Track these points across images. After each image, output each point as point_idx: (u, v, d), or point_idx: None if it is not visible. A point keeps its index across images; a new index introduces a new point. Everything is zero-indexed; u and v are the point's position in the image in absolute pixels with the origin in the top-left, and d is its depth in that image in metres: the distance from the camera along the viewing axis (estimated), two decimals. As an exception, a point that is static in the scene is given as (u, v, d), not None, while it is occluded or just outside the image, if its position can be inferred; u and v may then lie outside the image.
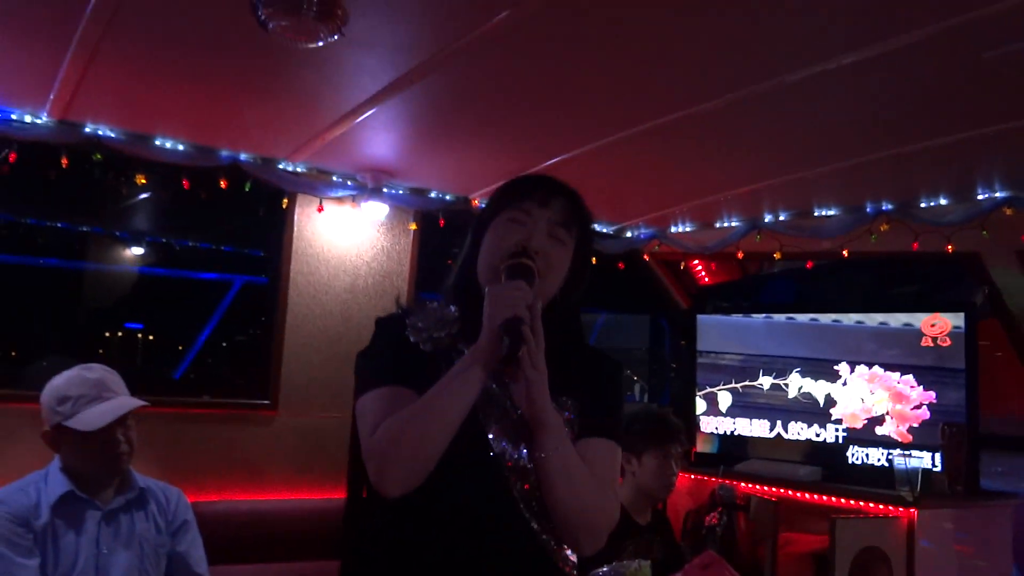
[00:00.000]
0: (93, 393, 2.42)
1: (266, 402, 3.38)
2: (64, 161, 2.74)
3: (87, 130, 2.77)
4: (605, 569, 2.47)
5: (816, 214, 3.54)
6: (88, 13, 2.02)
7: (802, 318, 4.05)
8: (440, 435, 1.38)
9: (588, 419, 1.53)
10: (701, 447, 4.29)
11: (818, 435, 3.93)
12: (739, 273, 4.48)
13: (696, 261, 4.53)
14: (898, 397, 3.71)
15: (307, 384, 3.42)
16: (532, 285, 1.44)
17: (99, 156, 2.83)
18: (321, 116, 2.71)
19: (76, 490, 2.38)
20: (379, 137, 2.91)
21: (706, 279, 4.56)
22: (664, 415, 3.23)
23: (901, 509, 3.31)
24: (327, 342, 3.45)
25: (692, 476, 4.15)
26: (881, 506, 3.39)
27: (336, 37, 2.03)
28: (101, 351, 7.37)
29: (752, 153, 2.96)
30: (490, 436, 1.48)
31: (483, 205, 3.47)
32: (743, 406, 4.17)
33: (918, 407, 3.68)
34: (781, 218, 3.63)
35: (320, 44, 2.03)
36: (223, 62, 2.36)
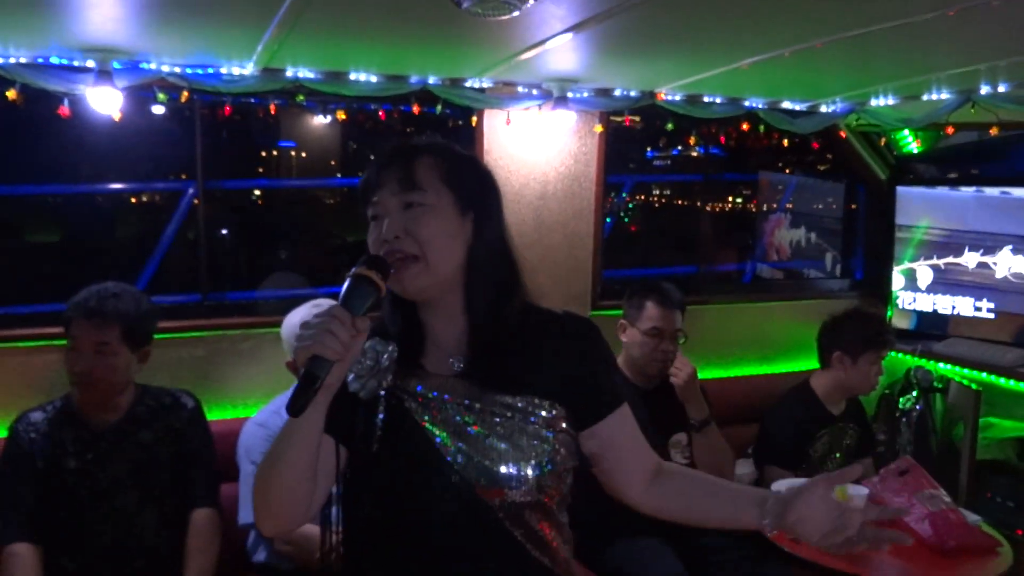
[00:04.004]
0: (325, 329, 2.71)
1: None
2: (272, 108, 2.89)
3: (288, 74, 2.86)
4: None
5: (1043, 85, 3.15)
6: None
7: (1018, 192, 3.74)
8: (284, 490, 1.34)
9: (596, 399, 1.44)
10: (897, 323, 4.18)
11: (1029, 317, 3.73)
12: (946, 142, 4.11)
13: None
14: None
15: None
16: (387, 279, 1.30)
17: (302, 97, 2.97)
18: (509, 48, 2.70)
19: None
20: (566, 55, 2.86)
21: (909, 147, 4.23)
22: (881, 320, 3.32)
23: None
24: (522, 248, 3.50)
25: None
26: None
27: (528, 4, 1.99)
28: (314, 268, 8.08)
29: (970, 35, 2.66)
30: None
31: (668, 97, 3.37)
32: (945, 283, 3.99)
33: None
34: (1001, 89, 3.23)
35: (514, 15, 2.01)
36: (416, 21, 2.39)
